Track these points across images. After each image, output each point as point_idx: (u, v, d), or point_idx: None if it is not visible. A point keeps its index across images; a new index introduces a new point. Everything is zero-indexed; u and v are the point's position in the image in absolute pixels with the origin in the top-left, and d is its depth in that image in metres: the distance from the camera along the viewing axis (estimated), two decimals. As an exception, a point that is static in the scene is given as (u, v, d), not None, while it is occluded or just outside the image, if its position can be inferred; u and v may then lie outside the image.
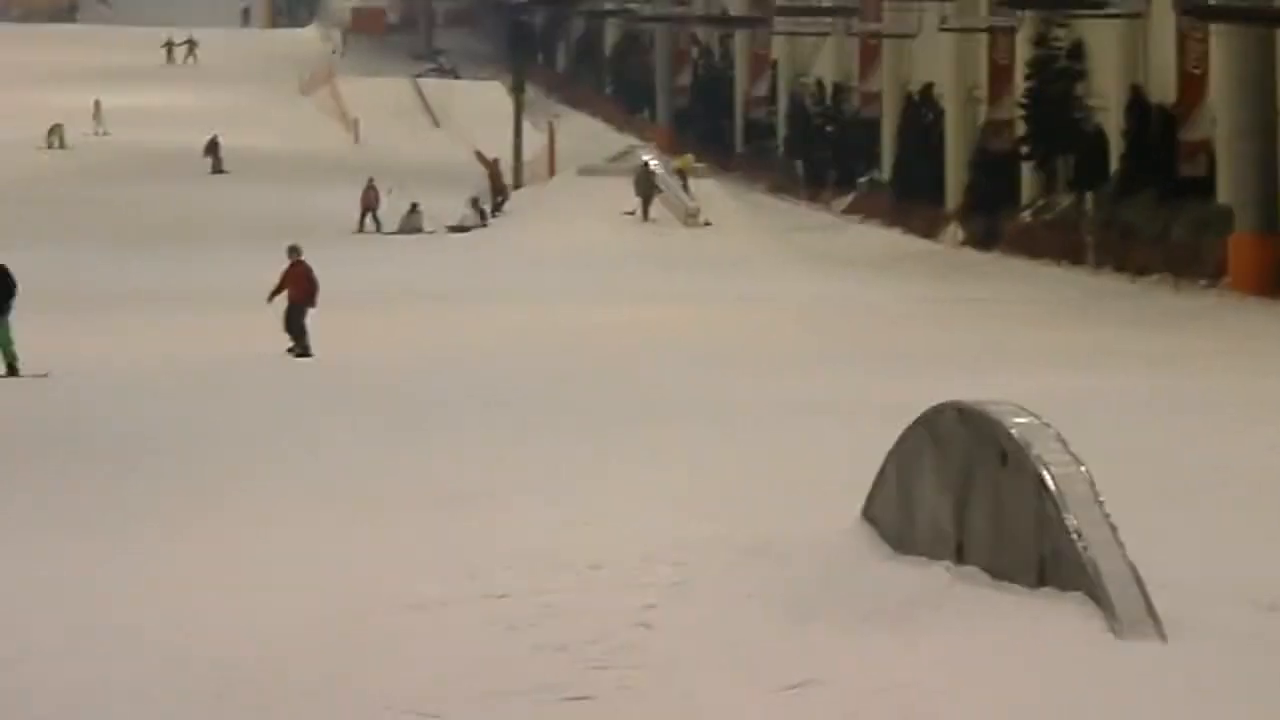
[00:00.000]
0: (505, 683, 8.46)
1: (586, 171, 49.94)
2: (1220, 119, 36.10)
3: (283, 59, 79.53)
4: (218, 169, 54.97)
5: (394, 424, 18.34)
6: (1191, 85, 37.24)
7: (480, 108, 66.38)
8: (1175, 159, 37.29)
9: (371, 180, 45.98)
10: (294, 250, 24.78)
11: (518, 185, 51.85)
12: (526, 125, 56.19)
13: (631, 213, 44.66)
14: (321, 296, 24.67)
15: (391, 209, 45.85)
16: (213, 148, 55.51)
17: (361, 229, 44.85)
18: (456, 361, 24.17)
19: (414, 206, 45.26)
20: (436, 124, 68.49)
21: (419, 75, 75.13)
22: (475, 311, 30.58)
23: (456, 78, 76.77)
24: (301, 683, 8.59)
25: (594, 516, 12.92)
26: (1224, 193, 35.97)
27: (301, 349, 23.94)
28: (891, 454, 10.88)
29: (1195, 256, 35.44)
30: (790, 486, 14.12)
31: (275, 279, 24.47)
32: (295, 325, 24.05)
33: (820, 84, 54.17)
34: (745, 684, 8.28)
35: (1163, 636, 8.35)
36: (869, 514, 11.01)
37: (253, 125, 64.03)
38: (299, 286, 24.18)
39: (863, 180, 50.93)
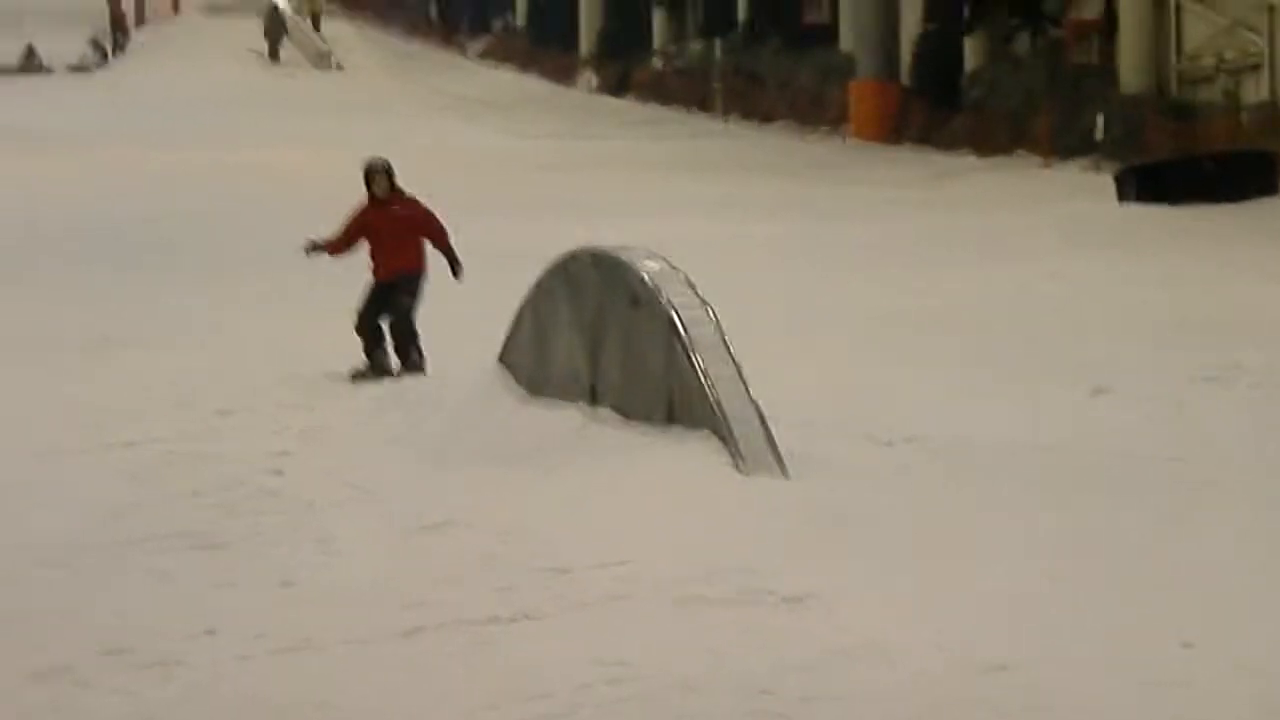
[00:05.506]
0: (134, 531, 8.32)
1: (213, 10, 48.53)
2: (844, -33, 36.88)
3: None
4: None
5: (23, 273, 17.68)
6: (817, -68, 37.99)
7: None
8: (799, 7, 38.04)
9: (-16, 17, 43.93)
10: (378, 171, 12.73)
11: (140, 23, 50.02)
12: (149, -40, 54.14)
13: (260, 53, 43.66)
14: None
15: (6, 48, 43.92)
16: None
17: (-25, 69, 42.86)
18: (84, 207, 23.35)
19: (30, 49, 43.42)
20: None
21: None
22: (102, 156, 29.51)
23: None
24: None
25: (225, 363, 12.74)
26: (846, 40, 36.86)
27: (412, 361, 12.47)
28: (527, 300, 10.96)
29: (819, 104, 36.33)
30: (428, 332, 14.13)
31: (339, 236, 12.86)
32: (399, 320, 12.58)
33: (454, -76, 53.58)
34: (381, 527, 8.31)
35: (785, 472, 8.66)
36: (505, 359, 11.09)
37: None
38: (404, 246, 12.66)
39: (497, 24, 50.66)
